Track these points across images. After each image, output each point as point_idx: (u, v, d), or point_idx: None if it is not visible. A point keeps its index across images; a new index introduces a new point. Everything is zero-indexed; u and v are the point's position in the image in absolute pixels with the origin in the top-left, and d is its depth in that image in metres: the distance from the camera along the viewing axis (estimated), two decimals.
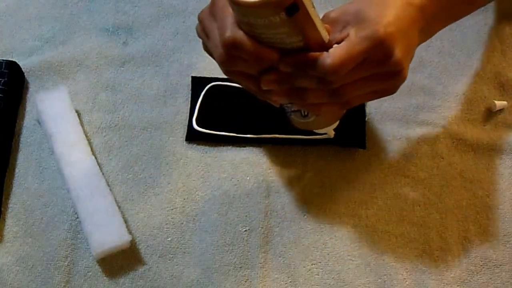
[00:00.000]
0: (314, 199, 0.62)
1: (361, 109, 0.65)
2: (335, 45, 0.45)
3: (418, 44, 0.50)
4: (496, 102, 0.67)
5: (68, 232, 0.59)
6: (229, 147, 0.64)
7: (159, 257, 0.58)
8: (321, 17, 0.45)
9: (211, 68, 0.67)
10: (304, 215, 0.61)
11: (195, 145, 0.64)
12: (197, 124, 0.64)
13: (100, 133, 0.64)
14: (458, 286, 0.58)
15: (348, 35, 0.45)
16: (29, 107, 0.66)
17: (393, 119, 0.66)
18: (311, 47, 0.43)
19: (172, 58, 0.69)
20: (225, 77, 0.67)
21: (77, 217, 0.59)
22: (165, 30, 0.70)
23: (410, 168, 0.64)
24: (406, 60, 0.46)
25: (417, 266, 0.59)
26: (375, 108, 0.67)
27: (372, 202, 0.62)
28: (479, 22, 0.73)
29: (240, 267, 0.58)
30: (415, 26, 0.47)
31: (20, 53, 0.69)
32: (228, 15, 0.44)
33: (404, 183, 0.63)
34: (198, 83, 0.66)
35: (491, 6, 0.74)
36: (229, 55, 0.44)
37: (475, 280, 0.59)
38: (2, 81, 0.63)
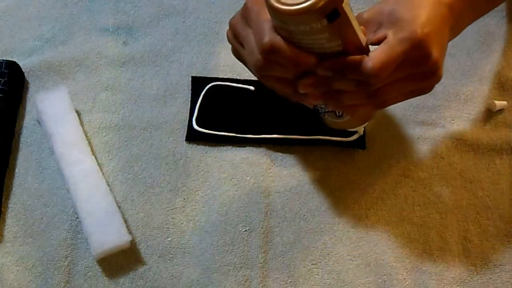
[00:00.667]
0: (314, 199, 0.62)
1: None
2: (374, 48, 0.45)
3: (449, 41, 0.50)
4: (496, 102, 0.67)
5: (68, 232, 0.59)
6: (229, 147, 0.64)
7: (159, 257, 0.58)
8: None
9: (211, 68, 0.67)
10: (304, 215, 0.61)
11: (195, 145, 0.64)
12: (197, 124, 0.64)
13: (100, 133, 0.64)
14: (458, 286, 0.58)
15: (384, 36, 0.45)
16: (29, 107, 0.66)
17: (393, 119, 0.66)
18: (350, 50, 0.44)
19: (172, 58, 0.69)
20: (225, 77, 0.68)
21: (77, 217, 0.59)
22: (165, 30, 0.70)
23: (410, 168, 0.64)
24: (441, 59, 0.46)
25: (417, 266, 0.59)
26: None
27: (372, 202, 0.62)
28: (479, 22, 0.73)
29: (240, 267, 0.58)
30: (446, 25, 0.47)
31: (20, 53, 0.69)
32: (264, 20, 0.44)
33: (404, 183, 0.63)
34: (198, 83, 0.66)
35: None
36: (267, 60, 0.44)
37: (475, 280, 0.59)
38: (2, 81, 0.63)
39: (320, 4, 0.38)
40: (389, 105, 0.49)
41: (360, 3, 0.73)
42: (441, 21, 0.46)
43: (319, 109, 0.54)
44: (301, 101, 0.49)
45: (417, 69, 0.46)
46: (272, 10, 0.40)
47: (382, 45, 0.44)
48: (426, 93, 0.49)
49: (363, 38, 0.44)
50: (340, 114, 0.54)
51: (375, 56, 0.43)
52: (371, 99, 0.47)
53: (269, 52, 0.43)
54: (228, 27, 0.50)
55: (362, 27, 0.45)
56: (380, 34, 0.45)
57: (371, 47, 0.45)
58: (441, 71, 0.47)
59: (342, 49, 0.43)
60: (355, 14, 0.44)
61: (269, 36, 0.43)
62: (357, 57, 0.43)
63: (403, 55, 0.44)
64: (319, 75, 0.45)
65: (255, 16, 0.45)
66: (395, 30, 0.44)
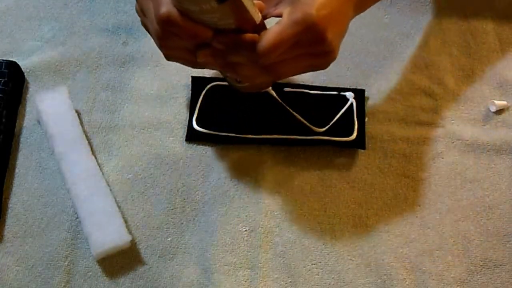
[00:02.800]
0: (314, 199, 0.62)
1: (361, 109, 0.65)
2: (268, 28, 0.46)
3: (353, 17, 0.51)
4: (496, 102, 0.67)
5: (68, 232, 0.59)
6: (229, 147, 0.64)
7: (159, 257, 0.58)
8: None
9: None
10: (304, 215, 0.61)
11: (195, 145, 0.64)
12: (197, 124, 0.64)
13: (100, 133, 0.64)
14: (458, 286, 0.58)
15: (281, 13, 0.46)
16: (29, 107, 0.66)
17: (393, 119, 0.66)
18: (244, 28, 0.45)
19: None
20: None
21: (77, 217, 0.59)
22: None
23: (410, 168, 0.64)
24: (337, 40, 0.48)
25: (417, 266, 0.59)
26: (375, 108, 0.67)
27: (372, 202, 0.62)
28: (479, 22, 0.73)
29: (240, 267, 0.58)
30: (348, 4, 0.49)
31: (20, 53, 0.69)
32: None
33: (404, 183, 0.63)
34: (198, 83, 0.66)
35: (491, 6, 0.74)
36: (164, 30, 0.46)
37: (475, 280, 0.59)
38: (2, 81, 0.63)
39: None
40: (285, 77, 0.51)
41: None
42: (342, 1, 0.47)
43: (221, 72, 0.56)
44: (202, 67, 0.51)
45: (311, 49, 0.47)
46: None
47: (275, 25, 0.45)
48: (322, 69, 0.50)
49: (257, 17, 0.45)
50: (239, 80, 0.54)
51: (266, 36, 0.45)
52: (265, 73, 0.48)
53: (166, 23, 0.45)
54: None
55: (259, 1, 0.46)
56: (278, 10, 0.47)
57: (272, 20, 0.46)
58: (336, 51, 0.48)
59: (235, 27, 0.44)
60: None
61: (166, 7, 0.44)
62: (249, 35, 0.45)
63: (295, 36, 0.45)
64: (216, 47, 0.46)
65: None
66: (291, 10, 0.45)
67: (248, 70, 0.49)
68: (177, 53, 0.49)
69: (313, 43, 0.46)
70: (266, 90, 0.60)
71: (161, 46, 0.49)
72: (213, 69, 0.54)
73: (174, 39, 0.47)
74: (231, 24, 0.44)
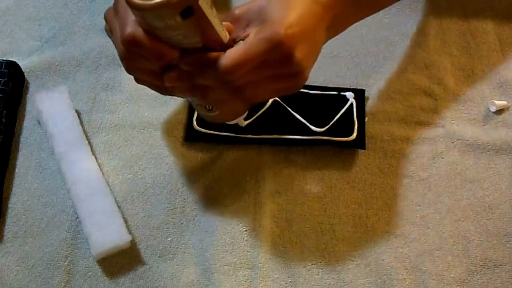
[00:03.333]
0: (314, 199, 0.62)
1: (361, 109, 0.65)
2: (235, 46, 0.44)
3: (326, 41, 0.49)
4: (496, 102, 0.67)
5: (68, 232, 0.59)
6: (229, 147, 0.64)
7: (159, 257, 0.58)
8: (227, 14, 0.46)
9: None
10: (304, 215, 0.61)
11: (195, 145, 0.64)
12: (197, 124, 0.64)
13: (100, 133, 0.64)
14: (458, 286, 0.58)
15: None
16: (29, 107, 0.66)
17: (393, 119, 0.66)
18: (211, 47, 0.43)
19: None
20: None
21: (77, 217, 0.59)
22: None
23: (410, 168, 0.64)
24: (307, 61, 0.46)
25: (417, 266, 0.59)
26: (375, 108, 0.67)
27: (372, 202, 0.62)
28: (479, 22, 0.73)
29: (240, 267, 0.58)
30: (320, 24, 0.47)
31: (20, 53, 0.69)
32: (130, 13, 0.44)
33: (404, 183, 0.63)
34: None
35: (491, 6, 0.74)
36: (129, 51, 0.44)
37: (475, 280, 0.59)
38: (2, 81, 0.63)
39: (174, 0, 0.38)
40: (257, 102, 0.49)
41: None
42: (315, 21, 0.46)
43: (191, 101, 0.54)
44: (171, 94, 0.49)
45: (279, 70, 0.45)
46: (128, 3, 0.40)
47: (241, 43, 0.44)
48: (293, 92, 0.49)
49: (224, 36, 0.44)
50: (211, 108, 0.53)
51: (230, 54, 0.43)
52: (235, 96, 0.47)
53: (130, 44, 0.43)
54: None
55: (227, 23, 0.45)
56: (247, 31, 0.45)
57: None
58: (306, 72, 0.46)
59: (202, 46, 0.43)
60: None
61: (131, 28, 0.43)
62: (214, 54, 0.43)
63: (261, 55, 0.43)
64: (183, 69, 0.45)
65: (122, 8, 0.45)
66: (259, 30, 0.44)
67: (217, 93, 0.47)
68: (145, 76, 0.47)
69: (281, 63, 0.44)
70: (238, 122, 0.58)
71: (127, 68, 0.47)
72: (182, 97, 0.51)
73: (140, 60, 0.45)
74: (197, 42, 0.43)
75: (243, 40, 0.45)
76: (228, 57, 0.43)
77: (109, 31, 0.49)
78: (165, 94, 0.50)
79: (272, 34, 0.43)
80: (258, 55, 0.43)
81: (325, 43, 0.50)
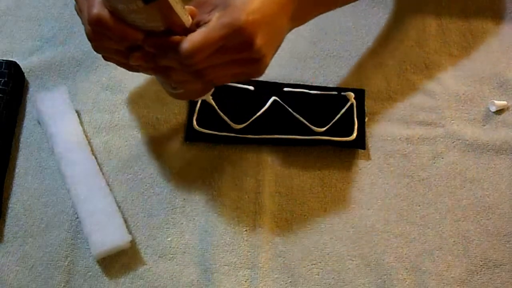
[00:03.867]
0: (314, 199, 0.62)
1: (361, 109, 0.65)
2: (197, 30, 0.45)
3: (290, 30, 0.50)
4: (496, 102, 0.67)
5: (68, 232, 0.59)
6: (229, 147, 0.64)
7: (159, 257, 0.58)
8: None
9: None
10: (304, 215, 0.61)
11: (195, 145, 0.64)
12: (197, 124, 0.64)
13: (100, 133, 0.64)
14: (458, 286, 0.58)
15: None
16: (29, 107, 0.66)
17: (393, 119, 0.66)
18: (174, 31, 0.44)
19: None
20: None
21: (77, 217, 0.59)
22: None
23: (410, 168, 0.64)
24: (268, 48, 0.47)
25: (417, 266, 0.59)
26: (375, 108, 0.67)
27: (372, 202, 0.62)
28: (479, 22, 0.73)
29: (240, 267, 0.58)
30: (283, 12, 0.48)
31: (20, 53, 0.69)
32: None
33: (404, 183, 0.63)
34: None
35: (491, 6, 0.74)
36: (95, 32, 0.46)
37: (475, 280, 0.59)
38: (2, 81, 0.63)
39: None
40: (218, 84, 0.50)
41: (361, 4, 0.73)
42: (278, 8, 0.46)
43: (157, 78, 0.55)
44: (137, 71, 0.51)
45: (239, 55, 0.46)
46: None
47: (202, 27, 0.45)
48: (254, 77, 0.49)
49: (187, 20, 0.44)
50: (175, 86, 0.54)
51: (190, 38, 0.44)
52: (196, 78, 0.48)
53: (96, 24, 0.44)
54: None
55: (191, 7, 0.45)
56: (211, 16, 0.46)
57: None
58: (267, 59, 0.47)
59: (164, 29, 0.44)
60: None
61: (97, 9, 0.44)
62: (176, 37, 0.44)
63: (221, 40, 0.44)
64: (147, 50, 0.46)
65: None
66: (220, 15, 0.45)
67: (179, 75, 0.48)
68: (112, 55, 0.49)
69: (241, 48, 0.45)
70: (204, 98, 0.59)
71: (94, 47, 0.48)
72: (149, 74, 0.53)
73: (105, 40, 0.46)
74: (160, 26, 0.44)
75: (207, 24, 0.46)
76: (189, 41, 0.44)
77: (78, 11, 0.50)
78: (132, 71, 0.51)
79: (233, 20, 0.44)
80: (218, 39, 0.44)
81: (289, 31, 0.50)
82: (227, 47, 0.45)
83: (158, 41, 0.45)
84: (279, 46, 0.50)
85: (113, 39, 0.45)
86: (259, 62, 0.47)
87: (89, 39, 0.47)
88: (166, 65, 0.47)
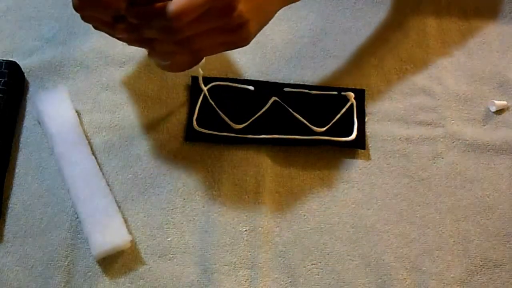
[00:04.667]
0: (314, 199, 0.62)
1: (361, 109, 0.65)
2: None
3: (282, 4, 0.51)
4: (496, 102, 0.67)
5: (68, 232, 0.59)
6: (229, 147, 0.64)
7: (159, 257, 0.58)
8: None
9: (211, 68, 0.67)
10: (304, 215, 0.61)
11: (195, 145, 0.64)
12: (197, 124, 0.64)
13: (100, 133, 0.64)
14: (458, 286, 0.58)
15: None
16: (29, 107, 0.66)
17: (393, 119, 0.66)
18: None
19: None
20: (225, 76, 0.68)
21: (77, 217, 0.59)
22: None
23: (410, 168, 0.64)
24: (252, 14, 0.47)
25: (417, 266, 0.59)
26: (375, 108, 0.67)
27: (372, 202, 0.62)
28: (479, 22, 0.73)
29: (240, 267, 0.58)
30: None
31: (20, 53, 0.69)
32: None
33: (404, 183, 0.63)
34: (198, 83, 0.66)
35: (491, 6, 0.74)
36: (80, 1, 0.47)
37: (475, 280, 0.59)
38: (2, 81, 0.63)
39: None
40: (205, 55, 0.51)
41: (360, 4, 0.73)
42: None
43: (148, 52, 0.55)
44: (127, 43, 0.51)
45: (222, 21, 0.46)
46: None
47: None
48: (240, 46, 0.50)
49: None
50: (161, 58, 0.54)
51: (176, 1, 0.44)
52: (181, 48, 0.48)
53: None
54: None
55: None
56: None
57: None
58: (251, 26, 0.48)
59: None
60: None
61: None
62: (160, 4, 0.45)
63: (206, 3, 0.44)
64: (131, 21, 0.47)
65: None
66: None
67: (164, 46, 0.49)
68: (99, 25, 0.50)
69: (223, 12, 0.46)
70: (193, 70, 0.58)
71: (82, 17, 0.49)
72: (135, 46, 0.53)
73: (89, 9, 0.47)
74: None
75: None
76: (174, 3, 0.44)
77: None
78: (123, 41, 0.52)
79: None
80: (203, 2, 0.44)
81: (279, 6, 0.51)
82: (211, 12, 0.45)
83: (141, 10, 0.46)
84: (267, 18, 0.50)
85: (97, 7, 0.46)
86: (241, 29, 0.47)
87: (75, 9, 0.48)
88: (150, 36, 0.48)
